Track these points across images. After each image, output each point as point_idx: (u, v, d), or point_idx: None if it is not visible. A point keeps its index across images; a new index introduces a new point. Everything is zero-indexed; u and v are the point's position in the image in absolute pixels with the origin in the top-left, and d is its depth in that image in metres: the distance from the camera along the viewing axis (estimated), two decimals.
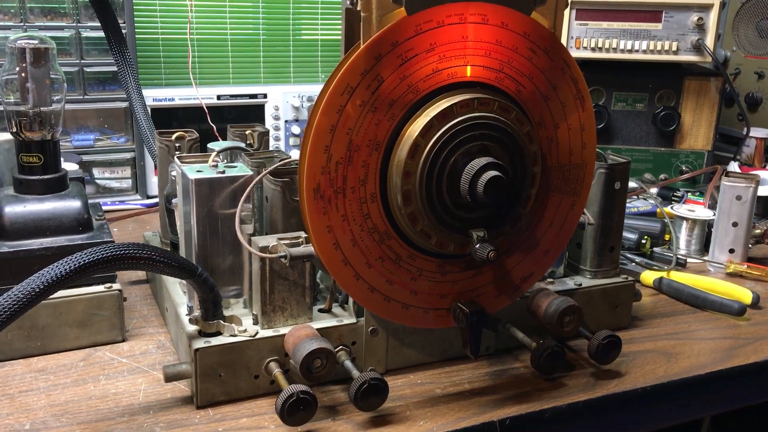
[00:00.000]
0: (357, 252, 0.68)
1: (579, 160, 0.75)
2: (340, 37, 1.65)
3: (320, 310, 0.76)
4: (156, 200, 1.29)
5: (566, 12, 1.18)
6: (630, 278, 0.89)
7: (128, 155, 1.33)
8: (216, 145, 0.86)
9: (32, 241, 0.78)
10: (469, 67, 0.67)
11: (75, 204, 0.82)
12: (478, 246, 0.68)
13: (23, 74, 0.81)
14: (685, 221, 1.13)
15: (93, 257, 0.60)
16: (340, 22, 1.64)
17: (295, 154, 0.80)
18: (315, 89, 1.49)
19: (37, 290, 0.58)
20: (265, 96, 1.46)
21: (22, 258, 0.77)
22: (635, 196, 1.28)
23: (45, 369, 0.75)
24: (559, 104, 0.72)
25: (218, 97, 1.41)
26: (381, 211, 0.68)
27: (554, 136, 0.73)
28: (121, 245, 0.62)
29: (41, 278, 0.58)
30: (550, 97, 0.72)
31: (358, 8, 0.63)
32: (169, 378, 0.69)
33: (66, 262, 0.59)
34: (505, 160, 0.68)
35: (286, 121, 1.48)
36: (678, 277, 1.01)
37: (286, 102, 1.47)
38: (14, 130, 0.82)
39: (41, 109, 0.81)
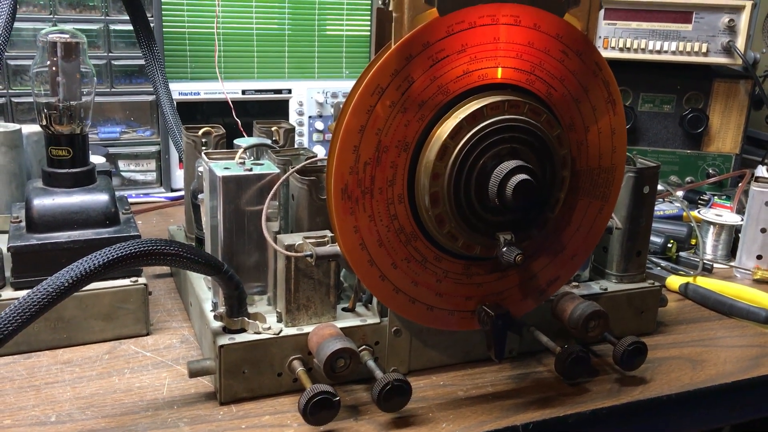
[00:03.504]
0: (383, 253, 0.68)
1: (608, 164, 0.75)
2: (365, 33, 1.64)
3: (344, 309, 0.76)
4: (180, 194, 1.29)
5: None
6: (657, 283, 0.88)
7: (153, 148, 1.34)
8: (243, 142, 0.86)
9: (60, 234, 0.79)
10: (500, 69, 0.66)
11: (103, 198, 0.82)
12: (505, 249, 0.67)
13: (54, 68, 0.81)
14: (712, 226, 1.11)
15: (122, 253, 0.60)
16: (365, 18, 1.63)
17: (318, 150, 0.80)
18: (339, 85, 1.49)
19: (66, 285, 0.58)
20: (289, 91, 1.46)
21: (49, 250, 0.78)
22: (661, 199, 1.26)
23: (71, 361, 0.76)
24: (590, 107, 0.72)
25: (243, 92, 1.41)
26: (408, 212, 0.67)
27: (584, 139, 0.72)
28: (148, 241, 0.62)
29: (70, 273, 0.59)
30: (581, 100, 0.71)
31: (390, 8, 0.63)
32: (194, 374, 0.70)
33: (95, 257, 0.60)
34: (535, 163, 0.67)
35: (309, 117, 1.47)
36: (704, 282, 1.00)
37: (311, 98, 1.47)
38: (44, 123, 0.82)
39: (71, 102, 0.82)
